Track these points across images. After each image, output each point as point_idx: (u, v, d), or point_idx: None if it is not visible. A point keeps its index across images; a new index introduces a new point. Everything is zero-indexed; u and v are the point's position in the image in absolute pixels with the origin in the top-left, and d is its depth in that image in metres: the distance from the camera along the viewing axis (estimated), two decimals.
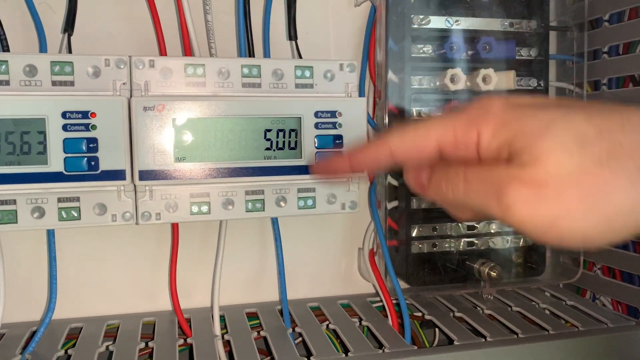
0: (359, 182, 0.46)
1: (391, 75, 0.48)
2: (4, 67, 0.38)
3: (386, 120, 0.48)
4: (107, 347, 0.43)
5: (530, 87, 0.52)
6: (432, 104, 0.49)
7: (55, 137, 0.39)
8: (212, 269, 0.47)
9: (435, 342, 0.50)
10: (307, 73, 0.44)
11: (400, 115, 0.48)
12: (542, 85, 0.52)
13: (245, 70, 0.42)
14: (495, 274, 0.49)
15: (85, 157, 0.39)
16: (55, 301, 0.42)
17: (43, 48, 0.43)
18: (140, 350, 0.42)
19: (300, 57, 0.48)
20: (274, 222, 0.48)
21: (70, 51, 0.43)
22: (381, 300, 0.49)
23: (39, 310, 0.47)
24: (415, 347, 0.43)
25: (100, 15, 0.47)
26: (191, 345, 0.43)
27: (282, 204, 0.44)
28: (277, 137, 0.43)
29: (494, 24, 0.50)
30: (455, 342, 0.43)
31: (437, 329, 0.49)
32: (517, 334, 0.44)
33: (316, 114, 0.43)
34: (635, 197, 0.23)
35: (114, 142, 0.40)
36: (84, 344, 0.43)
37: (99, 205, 0.41)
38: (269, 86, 0.43)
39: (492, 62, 0.49)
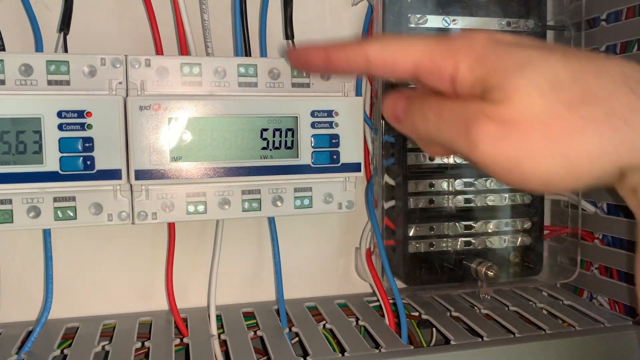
0: (356, 181, 0.46)
1: None
2: None
3: (383, 120, 0.48)
4: (103, 346, 0.43)
5: None
6: None
7: (51, 136, 0.39)
8: (209, 268, 0.47)
9: (433, 341, 0.50)
10: (304, 72, 0.44)
11: None
12: None
13: (242, 70, 0.42)
14: (492, 273, 0.48)
15: (81, 156, 0.39)
16: (51, 301, 0.42)
17: (39, 47, 0.42)
18: (137, 350, 0.42)
19: None
20: (271, 221, 0.48)
21: (66, 50, 0.43)
22: (378, 300, 0.49)
23: (35, 310, 0.47)
24: (412, 347, 0.43)
25: (96, 14, 0.46)
26: (187, 345, 0.43)
27: (279, 203, 0.44)
28: (274, 136, 0.43)
29: (492, 24, 0.50)
30: (452, 342, 0.43)
31: (434, 329, 0.49)
32: (514, 334, 0.44)
33: (312, 114, 0.43)
34: (601, 144, 0.23)
35: (110, 141, 0.40)
36: (80, 344, 0.43)
37: (95, 204, 0.41)
38: (266, 85, 0.43)
39: None
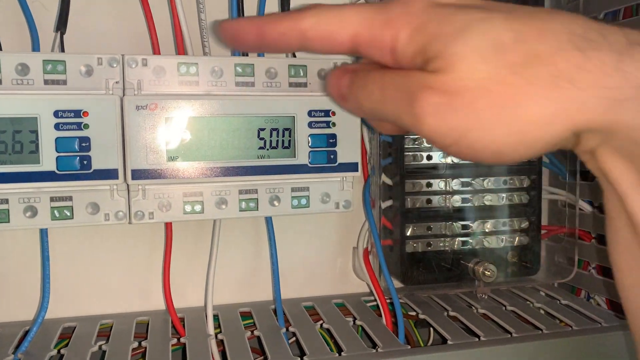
0: (353, 181, 0.46)
1: None
2: None
3: None
4: (100, 346, 0.42)
5: None
6: None
7: (48, 136, 0.39)
8: (206, 268, 0.47)
9: (430, 341, 0.50)
10: (301, 72, 0.44)
11: None
12: None
13: (239, 69, 0.42)
14: (489, 273, 0.48)
15: (77, 156, 0.39)
16: (48, 300, 0.42)
17: (36, 47, 0.42)
18: (134, 349, 0.42)
19: (294, 55, 0.48)
20: (268, 221, 0.48)
21: (62, 50, 0.42)
22: (375, 300, 0.49)
23: (32, 310, 0.47)
24: (409, 347, 0.43)
25: (93, 13, 0.46)
26: (184, 344, 0.43)
27: (276, 203, 0.44)
28: (271, 136, 0.43)
29: None
30: (449, 342, 0.43)
31: (431, 328, 0.49)
32: (511, 334, 0.44)
33: (310, 113, 0.43)
34: (548, 108, 0.21)
35: (107, 141, 0.40)
36: (77, 344, 0.43)
37: (92, 204, 0.40)
38: (263, 85, 0.43)
39: None
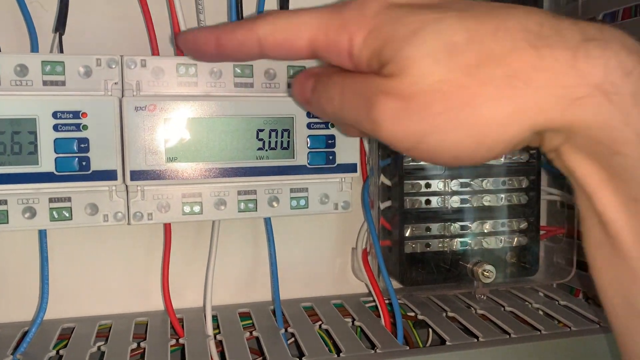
0: (352, 182, 0.46)
1: None
2: None
3: None
4: (98, 347, 0.43)
5: None
6: None
7: (46, 137, 0.38)
8: (205, 268, 0.47)
9: (429, 342, 0.50)
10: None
11: None
12: None
13: (238, 70, 0.42)
14: (488, 273, 0.49)
15: (76, 157, 0.39)
16: (47, 301, 0.42)
17: (34, 47, 0.42)
18: (132, 350, 0.42)
19: None
20: (267, 221, 0.48)
21: (61, 51, 0.42)
22: (374, 300, 0.49)
23: (30, 310, 0.47)
24: (408, 348, 0.43)
25: (92, 14, 0.46)
26: (183, 345, 0.43)
27: (275, 204, 0.44)
28: (270, 137, 0.43)
29: None
30: (448, 342, 0.43)
31: (430, 329, 0.49)
32: (509, 334, 0.45)
33: (309, 114, 0.43)
34: (504, 109, 0.21)
35: (105, 142, 0.40)
36: (75, 344, 0.43)
37: (91, 205, 0.40)
38: (262, 86, 0.43)
39: None
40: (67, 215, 0.40)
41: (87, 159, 0.39)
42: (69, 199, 0.40)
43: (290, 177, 0.44)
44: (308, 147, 0.43)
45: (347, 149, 0.45)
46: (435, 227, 0.50)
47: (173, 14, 0.43)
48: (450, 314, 0.49)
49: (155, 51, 0.45)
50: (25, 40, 0.44)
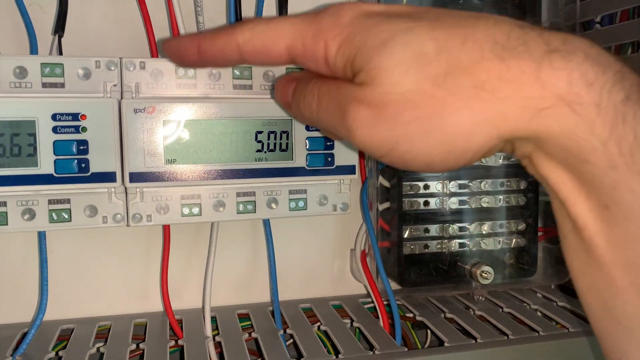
0: (350, 183, 0.46)
1: None
2: None
3: None
4: (98, 348, 0.43)
5: None
6: None
7: (46, 139, 0.39)
8: (204, 270, 0.47)
9: (427, 343, 0.50)
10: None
11: None
12: None
13: (237, 72, 0.42)
14: (486, 275, 0.49)
15: (75, 159, 0.39)
16: (46, 303, 0.42)
17: (34, 50, 0.42)
18: (131, 351, 0.42)
19: None
20: (266, 223, 0.48)
21: (60, 53, 0.43)
22: (373, 302, 0.49)
23: (30, 312, 0.47)
24: (406, 349, 0.43)
25: (91, 16, 0.46)
26: (182, 346, 0.43)
27: (274, 205, 0.44)
28: (268, 138, 0.43)
29: None
30: (446, 344, 0.43)
31: (428, 330, 0.49)
32: (507, 335, 0.45)
33: None
34: (472, 118, 0.21)
35: (105, 144, 0.40)
36: (75, 346, 0.43)
37: (90, 207, 0.41)
38: (260, 88, 0.43)
39: None
40: (66, 216, 0.40)
41: (86, 161, 0.39)
42: (68, 201, 0.40)
43: (289, 179, 0.44)
44: (307, 149, 0.44)
45: (346, 151, 0.45)
46: (433, 229, 0.50)
47: (172, 16, 0.44)
48: (449, 315, 0.49)
49: (154, 53, 0.45)
50: (24, 42, 0.44)
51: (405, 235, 0.50)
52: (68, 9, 0.43)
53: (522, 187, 0.52)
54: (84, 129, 0.39)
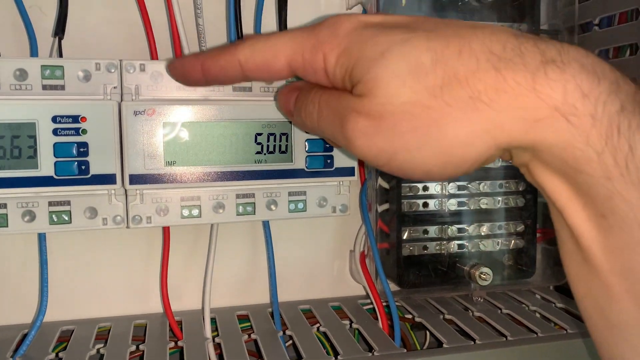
0: (350, 185, 0.46)
1: None
2: None
3: None
4: (98, 350, 0.43)
5: None
6: None
7: (46, 141, 0.39)
8: (203, 271, 0.47)
9: (426, 344, 0.50)
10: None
11: None
12: None
13: None
14: (485, 276, 0.49)
15: (75, 161, 0.39)
16: (46, 304, 0.43)
17: (34, 52, 0.43)
18: (131, 353, 0.42)
19: None
20: (265, 224, 0.48)
21: (61, 55, 0.43)
22: (372, 303, 0.50)
23: (30, 313, 0.47)
24: (405, 350, 0.43)
25: (91, 18, 0.47)
26: (182, 348, 0.43)
27: (273, 207, 0.44)
28: (268, 141, 0.43)
29: None
30: (445, 345, 0.44)
31: (427, 332, 0.49)
32: (506, 337, 0.45)
33: None
34: (469, 128, 0.22)
35: (105, 146, 0.40)
36: (75, 347, 0.43)
37: (90, 209, 0.41)
38: (260, 90, 0.43)
39: None
40: (66, 218, 0.40)
41: (87, 163, 0.40)
42: (68, 203, 0.40)
43: (288, 181, 0.44)
44: (306, 151, 0.44)
45: (345, 153, 0.45)
46: (432, 230, 0.50)
47: (172, 18, 0.44)
48: (448, 317, 0.49)
49: (154, 55, 0.45)
50: (24, 44, 0.44)
51: (405, 237, 0.50)
52: (68, 11, 0.43)
53: (520, 189, 0.52)
54: (84, 131, 0.39)
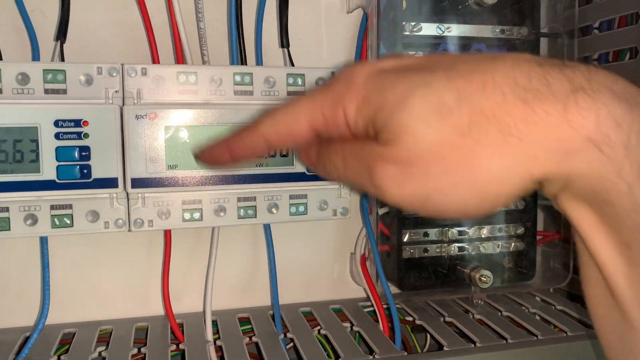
0: (350, 188, 0.47)
1: None
2: None
3: None
4: (99, 353, 0.43)
5: None
6: None
7: (48, 145, 0.39)
8: (205, 274, 0.47)
9: (426, 347, 0.50)
10: (299, 80, 0.44)
11: None
12: None
13: (238, 78, 0.43)
14: (485, 279, 0.49)
15: (77, 165, 0.40)
16: (48, 307, 0.43)
17: (36, 56, 0.43)
18: (133, 355, 0.42)
19: (292, 64, 0.48)
20: (266, 227, 0.48)
21: (62, 59, 0.43)
22: (372, 305, 0.50)
23: (32, 316, 0.47)
24: (405, 353, 0.43)
25: (93, 23, 0.47)
26: (183, 350, 0.43)
27: (274, 210, 0.45)
28: None
29: (486, 31, 0.50)
30: (445, 348, 0.44)
31: (427, 334, 0.49)
32: (506, 339, 0.45)
33: None
34: (502, 163, 0.21)
35: (106, 150, 0.40)
36: (77, 350, 0.43)
37: (92, 212, 0.41)
38: (261, 94, 0.43)
39: None
40: (68, 222, 0.40)
41: (89, 167, 0.40)
42: (70, 206, 0.40)
43: (289, 184, 0.44)
44: None
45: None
46: (433, 233, 0.51)
47: (173, 22, 0.44)
48: (448, 319, 0.49)
49: (155, 59, 0.45)
50: (26, 48, 0.44)
51: (405, 239, 0.50)
52: (70, 15, 0.43)
53: None
54: (86, 135, 0.40)
